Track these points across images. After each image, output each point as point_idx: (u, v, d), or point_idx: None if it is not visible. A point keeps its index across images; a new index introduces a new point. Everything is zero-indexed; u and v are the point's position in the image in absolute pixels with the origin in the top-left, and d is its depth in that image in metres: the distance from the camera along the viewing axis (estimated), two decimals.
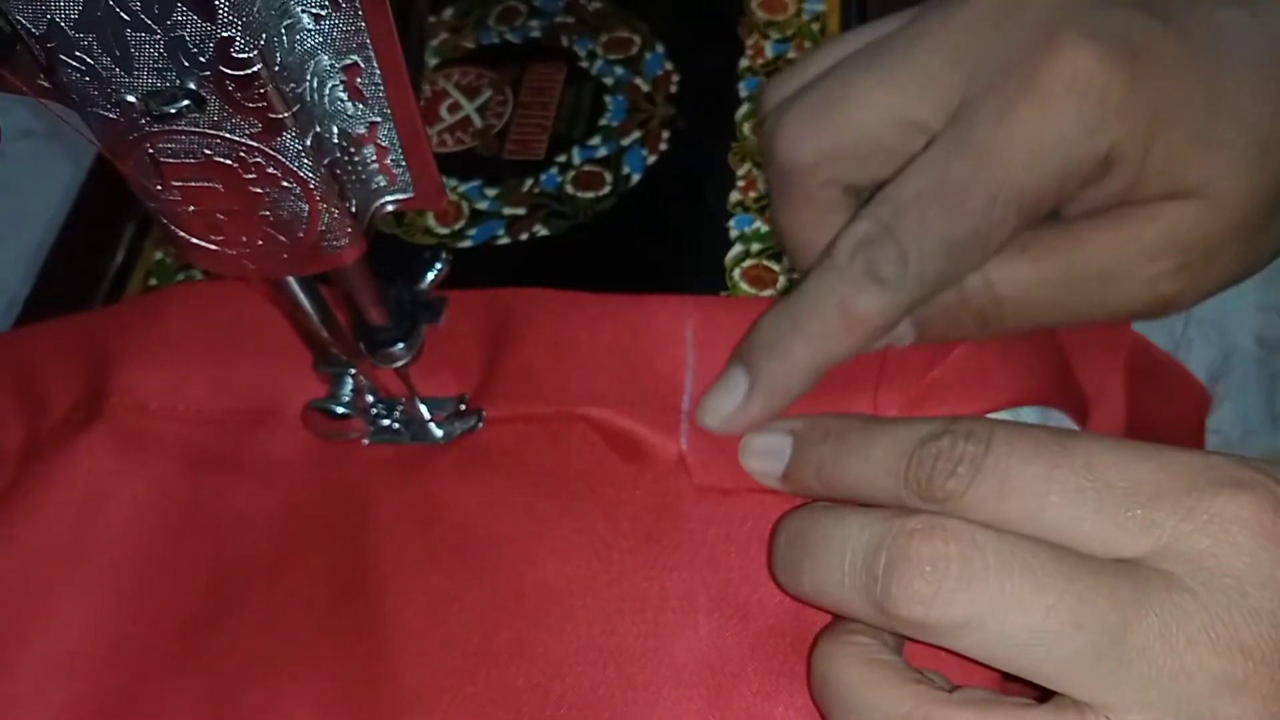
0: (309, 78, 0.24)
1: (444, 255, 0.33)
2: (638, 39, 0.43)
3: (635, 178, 0.39)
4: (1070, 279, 0.30)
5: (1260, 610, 0.22)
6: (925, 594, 0.23)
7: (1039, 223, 0.29)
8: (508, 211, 0.39)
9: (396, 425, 0.33)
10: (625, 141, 0.40)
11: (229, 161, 0.24)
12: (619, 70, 0.42)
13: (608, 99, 0.41)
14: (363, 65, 0.24)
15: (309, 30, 0.23)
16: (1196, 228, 0.29)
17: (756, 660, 0.29)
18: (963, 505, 0.25)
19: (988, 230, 0.28)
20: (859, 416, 0.29)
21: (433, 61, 0.43)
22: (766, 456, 0.30)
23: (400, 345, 0.31)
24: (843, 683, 0.25)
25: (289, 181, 0.24)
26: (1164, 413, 0.37)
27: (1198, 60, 0.28)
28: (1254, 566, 0.22)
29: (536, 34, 0.44)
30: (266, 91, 0.23)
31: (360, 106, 0.25)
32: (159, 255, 0.40)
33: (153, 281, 0.39)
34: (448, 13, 0.45)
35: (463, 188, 0.40)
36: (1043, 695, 0.24)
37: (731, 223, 0.37)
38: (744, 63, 0.41)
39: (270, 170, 0.24)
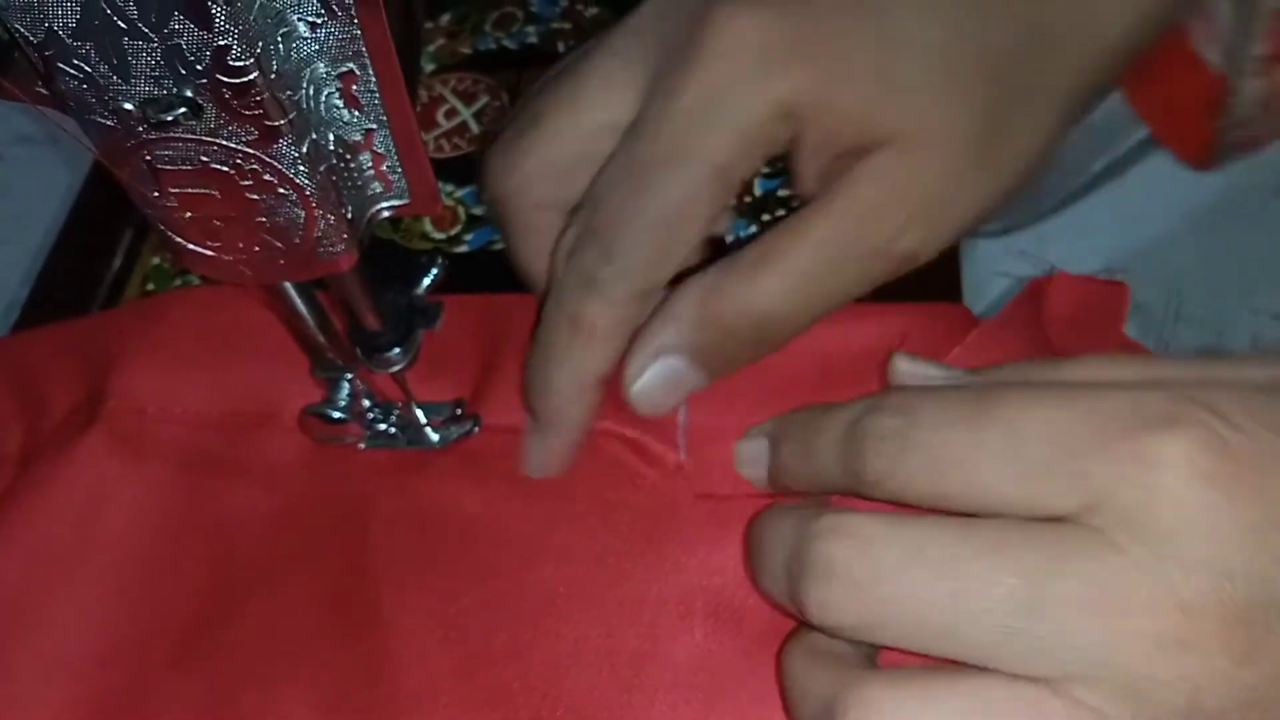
0: (305, 85, 0.24)
1: (440, 260, 0.33)
2: None
3: None
4: (810, 272, 0.29)
5: (1197, 561, 0.21)
6: (829, 600, 0.23)
7: (738, 198, 0.30)
8: None
9: (393, 430, 0.34)
10: None
11: (226, 168, 0.24)
12: None
13: None
14: (358, 73, 0.24)
15: (305, 38, 0.23)
16: (914, 177, 0.28)
17: (752, 665, 0.29)
18: (895, 485, 0.24)
19: (683, 205, 0.28)
20: (817, 407, 0.28)
21: (429, 67, 0.43)
22: (752, 463, 0.30)
23: (396, 350, 0.31)
24: (788, 675, 0.26)
25: (285, 188, 0.25)
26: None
27: (864, 2, 0.28)
28: (1187, 515, 0.21)
29: (533, 40, 0.44)
30: (263, 99, 0.23)
31: (356, 113, 0.25)
32: (156, 260, 0.40)
33: (150, 286, 0.39)
34: (444, 19, 0.45)
35: (459, 193, 0.40)
36: None
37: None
38: None
39: (267, 177, 0.24)
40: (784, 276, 0.29)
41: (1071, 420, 0.22)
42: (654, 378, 0.30)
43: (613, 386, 0.32)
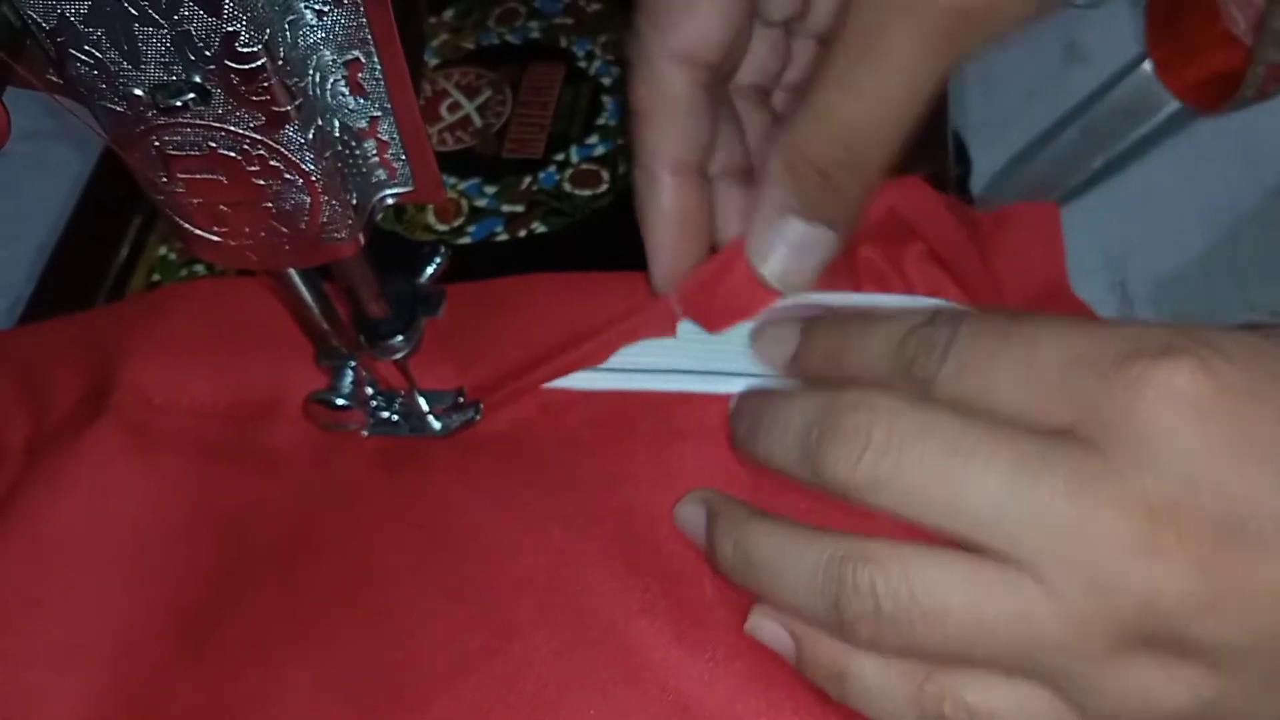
0: (311, 72, 0.24)
1: (443, 250, 0.33)
2: None
3: None
4: (895, 63, 0.28)
5: (1169, 473, 0.23)
6: (848, 457, 0.25)
7: None
8: (506, 209, 0.39)
9: (396, 417, 0.34)
10: (623, 140, 0.40)
11: (233, 154, 0.25)
12: (617, 70, 0.43)
13: (605, 99, 0.42)
14: (364, 60, 0.25)
15: (312, 26, 0.24)
16: None
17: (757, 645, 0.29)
18: (935, 386, 0.26)
19: None
20: (862, 310, 0.30)
21: (433, 62, 0.44)
22: (778, 342, 0.31)
23: (399, 337, 0.31)
24: (764, 552, 0.27)
25: (291, 174, 0.25)
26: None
27: None
28: (1168, 431, 0.23)
29: (536, 35, 0.44)
30: (270, 85, 0.23)
31: (361, 101, 0.25)
32: (163, 251, 0.40)
33: (156, 277, 0.40)
34: (448, 14, 0.45)
35: (462, 185, 0.40)
36: None
37: None
38: None
39: (273, 163, 0.25)
40: (862, 94, 0.28)
41: (1082, 341, 0.24)
42: (782, 250, 0.31)
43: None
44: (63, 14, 0.22)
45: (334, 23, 0.24)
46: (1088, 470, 0.23)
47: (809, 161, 0.29)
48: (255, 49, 0.22)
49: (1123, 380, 0.23)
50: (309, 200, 0.26)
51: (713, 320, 0.32)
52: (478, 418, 0.34)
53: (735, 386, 0.31)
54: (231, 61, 0.23)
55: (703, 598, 0.30)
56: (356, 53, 0.24)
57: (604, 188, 0.39)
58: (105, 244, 0.42)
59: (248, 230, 0.27)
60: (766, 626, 0.28)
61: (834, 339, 0.29)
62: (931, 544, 0.25)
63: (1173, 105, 0.42)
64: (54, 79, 0.24)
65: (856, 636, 0.26)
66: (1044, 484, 0.23)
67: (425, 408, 0.34)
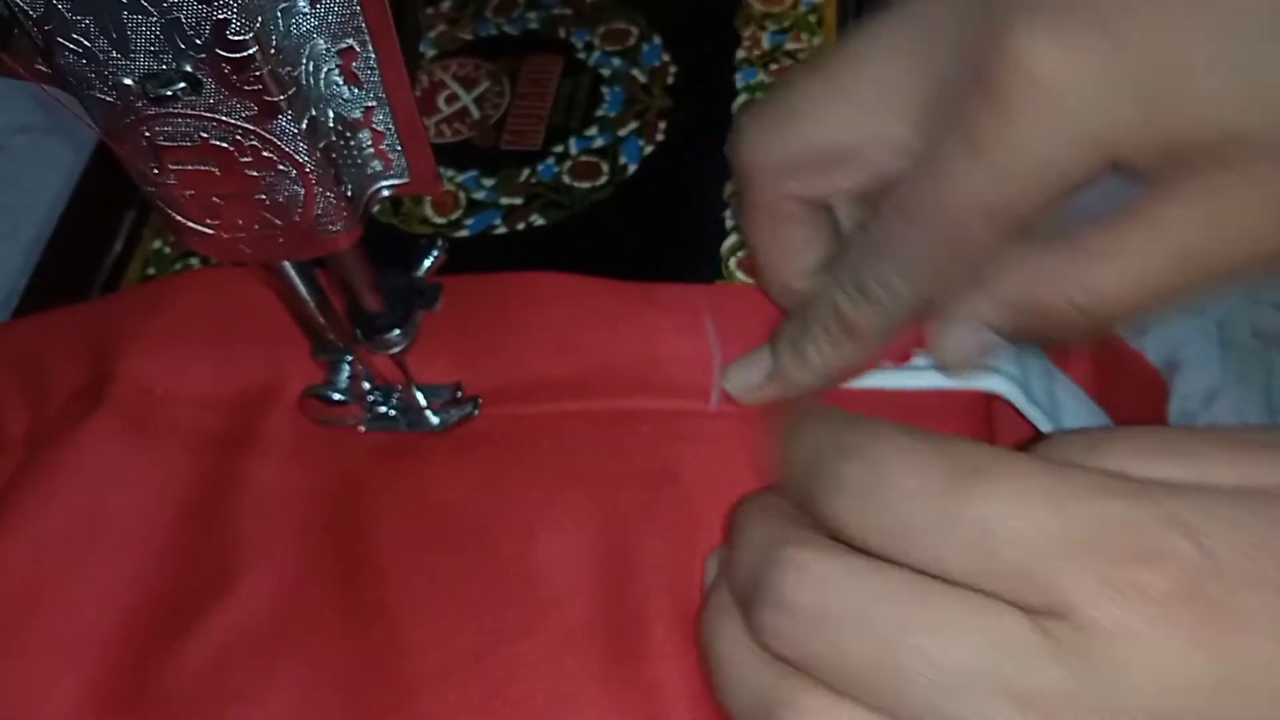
0: (305, 61, 0.24)
1: (440, 243, 0.33)
2: (635, 30, 0.43)
3: (632, 168, 0.39)
4: (1171, 270, 0.26)
5: (1140, 707, 0.20)
6: (780, 628, 0.23)
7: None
8: (505, 201, 0.39)
9: (393, 412, 0.34)
10: (622, 132, 0.40)
11: (225, 145, 0.24)
12: (616, 61, 0.42)
13: (605, 90, 0.41)
14: (358, 49, 0.24)
15: (305, 13, 0.23)
16: None
17: None
18: (853, 534, 0.23)
19: (960, 249, 0.26)
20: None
21: (430, 53, 0.43)
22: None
23: (396, 331, 0.31)
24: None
25: (285, 165, 0.25)
26: (1125, 400, 0.37)
27: None
28: (1143, 653, 0.20)
29: (534, 25, 0.44)
30: (262, 74, 0.23)
31: (356, 91, 0.25)
32: (157, 244, 0.40)
33: (150, 271, 0.39)
34: (445, 4, 0.45)
35: (460, 178, 0.40)
36: None
37: (727, 213, 0.37)
38: (741, 54, 0.41)
39: (266, 154, 0.24)
40: (1123, 271, 0.26)
41: (1050, 526, 0.21)
42: (966, 343, 0.29)
43: (632, 366, 0.33)
44: (50, 1, 0.22)
45: (328, 10, 0.23)
46: (1045, 679, 0.20)
47: (1039, 308, 0.27)
48: (247, 37, 0.22)
49: (1102, 583, 0.20)
50: (303, 192, 0.25)
51: None
52: (476, 413, 0.33)
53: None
54: (222, 50, 0.22)
55: (698, 607, 0.29)
56: (351, 41, 0.24)
57: (603, 180, 0.39)
58: (99, 238, 0.41)
59: (241, 222, 0.26)
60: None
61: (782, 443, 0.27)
62: None
63: None
64: (42, 68, 0.24)
65: None
66: (994, 681, 0.20)
67: (423, 402, 0.33)
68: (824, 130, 0.29)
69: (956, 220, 0.26)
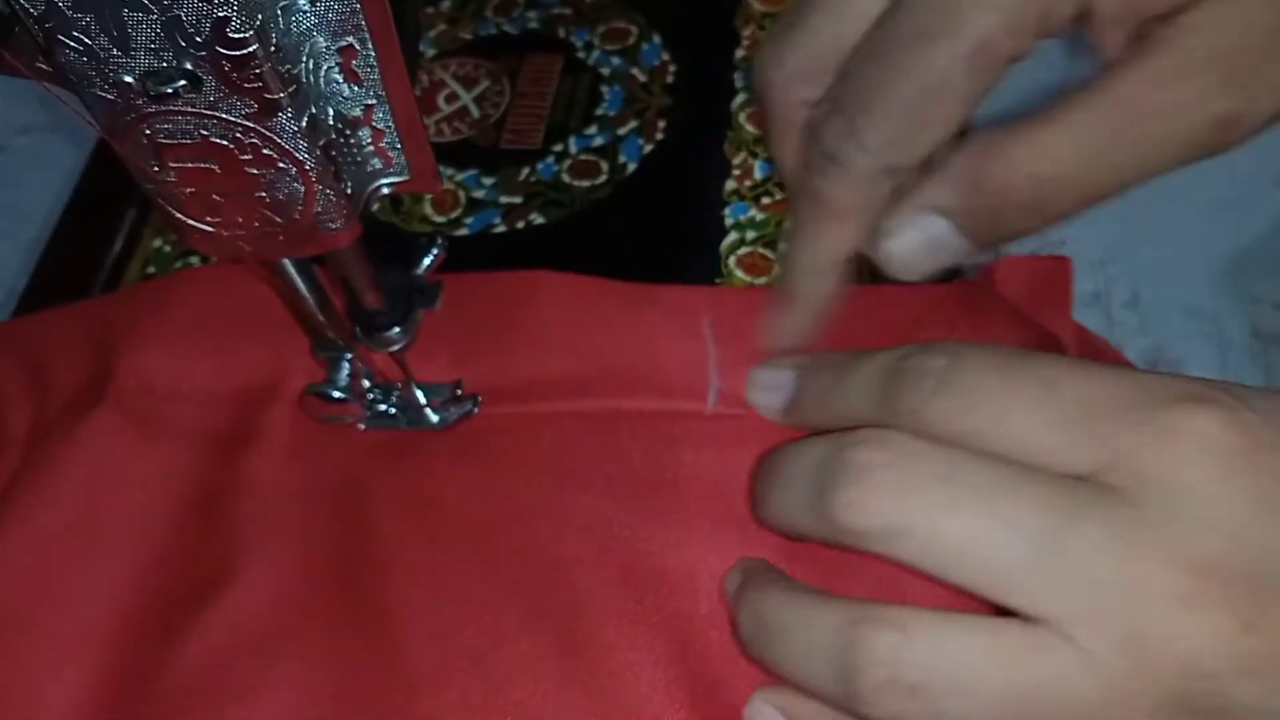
0: (305, 59, 0.24)
1: (440, 241, 0.33)
2: (634, 30, 0.43)
3: (631, 167, 0.39)
4: (1114, 136, 0.27)
5: (1210, 523, 0.21)
6: (859, 500, 0.23)
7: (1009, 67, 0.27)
8: (504, 200, 0.39)
9: (393, 410, 0.34)
10: (622, 131, 0.40)
11: (225, 142, 0.24)
12: (616, 60, 0.42)
13: (604, 89, 0.41)
14: (358, 47, 0.24)
15: (305, 12, 0.23)
16: (1230, 29, 0.26)
17: None
18: (926, 419, 0.24)
19: (938, 82, 0.26)
20: (862, 350, 0.28)
21: (430, 52, 0.43)
22: (771, 389, 0.30)
23: (396, 329, 0.31)
24: (780, 616, 0.25)
25: (285, 162, 0.25)
26: None
27: None
28: (1203, 480, 0.22)
29: (534, 25, 0.44)
30: (262, 72, 0.23)
31: (356, 88, 0.25)
32: (157, 243, 0.40)
33: (151, 269, 0.40)
34: (445, 4, 0.45)
35: (460, 176, 0.40)
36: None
37: (727, 211, 0.37)
38: (740, 53, 0.41)
39: (266, 151, 0.24)
40: (1076, 135, 0.27)
41: (1104, 386, 0.23)
42: (914, 237, 0.29)
43: (629, 368, 0.33)
44: None
45: (327, 9, 0.23)
46: (1124, 521, 0.22)
47: (993, 183, 0.27)
48: (247, 35, 0.22)
49: (1154, 427, 0.22)
50: (303, 189, 0.25)
51: None
52: (475, 410, 0.33)
53: None
54: (223, 48, 0.22)
55: (697, 615, 0.29)
56: (350, 39, 0.24)
57: (603, 179, 0.39)
58: (100, 237, 0.41)
59: (241, 220, 0.26)
60: (764, 713, 0.26)
61: (828, 379, 0.28)
62: (958, 610, 0.23)
63: None
64: (43, 66, 0.24)
65: (874, 714, 0.23)
66: (1080, 535, 0.22)
67: (422, 400, 0.33)
68: (822, 32, 0.29)
69: (921, 52, 0.26)
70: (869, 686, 0.23)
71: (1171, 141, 0.27)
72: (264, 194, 0.25)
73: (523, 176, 0.40)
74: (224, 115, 0.24)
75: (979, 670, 0.22)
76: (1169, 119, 0.26)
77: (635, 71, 0.42)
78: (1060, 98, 0.27)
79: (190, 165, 0.25)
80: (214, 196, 0.26)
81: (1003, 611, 0.23)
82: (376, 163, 0.27)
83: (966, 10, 0.26)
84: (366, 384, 0.33)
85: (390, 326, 0.31)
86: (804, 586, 0.27)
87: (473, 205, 0.39)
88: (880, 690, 0.23)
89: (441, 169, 0.40)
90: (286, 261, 0.29)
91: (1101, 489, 0.22)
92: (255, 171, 0.25)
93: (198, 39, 0.22)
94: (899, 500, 0.23)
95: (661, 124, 0.40)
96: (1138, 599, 0.21)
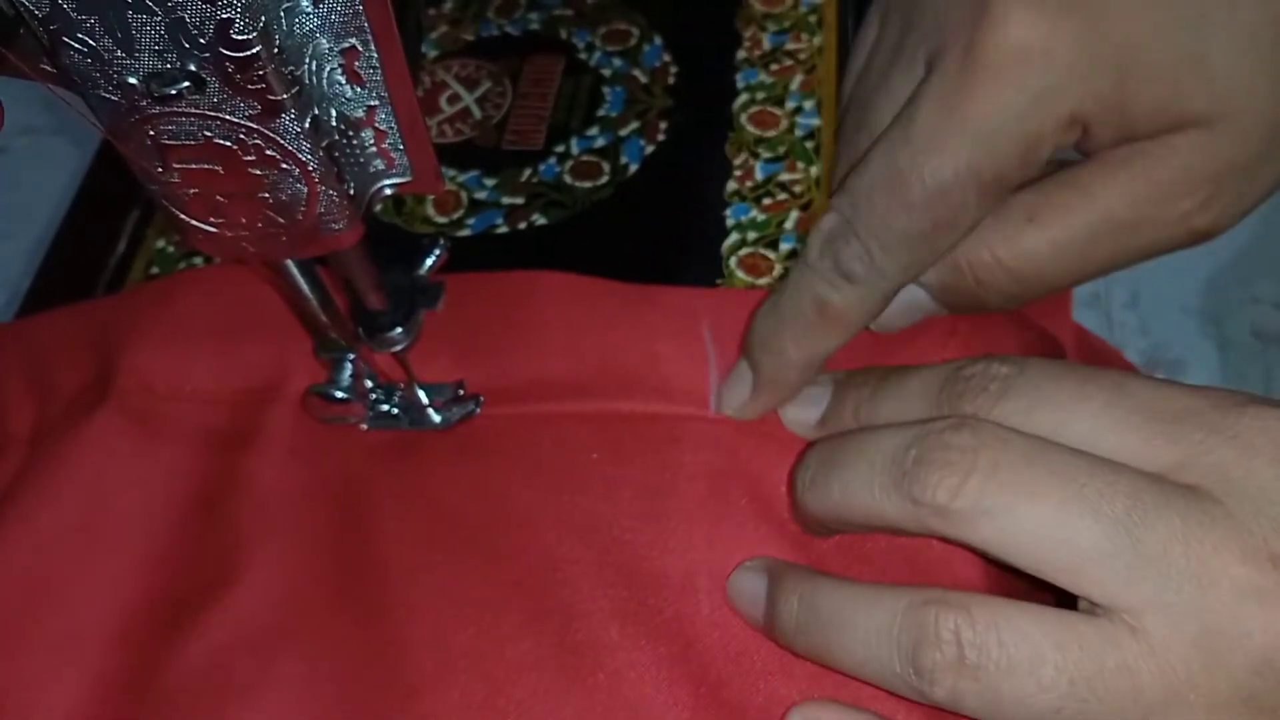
0: (308, 60, 0.24)
1: (442, 242, 0.33)
2: (636, 31, 0.43)
3: (633, 168, 0.39)
4: (1089, 237, 0.28)
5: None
6: (951, 481, 0.24)
7: (1030, 187, 0.29)
8: (506, 201, 0.39)
9: (395, 410, 0.34)
10: (623, 132, 0.40)
11: (229, 143, 0.24)
12: (617, 62, 0.42)
13: (606, 90, 0.42)
14: (361, 49, 0.24)
15: (307, 13, 0.23)
16: (1217, 157, 0.27)
17: (758, 639, 0.29)
18: (995, 419, 0.25)
19: (947, 219, 0.28)
20: (903, 365, 0.29)
21: (432, 53, 0.44)
22: (804, 404, 0.30)
23: (398, 329, 0.31)
24: (833, 604, 0.26)
25: (288, 163, 0.25)
26: None
27: None
28: None
29: (535, 26, 0.44)
30: (265, 73, 0.23)
31: (358, 90, 0.25)
32: (161, 244, 0.40)
33: (154, 270, 0.40)
34: (447, 5, 0.45)
35: (461, 178, 0.40)
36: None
37: (728, 212, 0.37)
38: (741, 54, 0.42)
39: (269, 152, 0.24)
40: (1056, 239, 0.28)
41: (1174, 392, 0.24)
42: (895, 302, 0.30)
43: (629, 369, 0.33)
44: (55, 1, 0.22)
45: (330, 10, 0.24)
46: (1202, 516, 0.22)
47: (973, 270, 0.29)
48: (250, 36, 0.22)
49: (1230, 429, 0.23)
50: (306, 190, 0.25)
51: None
52: (478, 410, 0.33)
53: None
54: (226, 49, 0.22)
55: (698, 616, 0.29)
56: (353, 40, 0.24)
57: (604, 179, 0.39)
58: (103, 238, 0.41)
59: (244, 221, 0.26)
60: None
61: (867, 390, 0.28)
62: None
63: None
64: (47, 68, 0.24)
65: (933, 692, 0.24)
66: (1159, 527, 0.22)
67: (425, 401, 0.33)
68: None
69: (935, 188, 0.27)
70: (931, 664, 0.23)
71: (1147, 248, 0.29)
72: (267, 195, 0.26)
73: (524, 177, 0.40)
74: (227, 116, 0.24)
75: (1043, 655, 0.23)
76: (1149, 232, 0.28)
77: (637, 73, 0.42)
78: (1044, 189, 0.28)
79: (193, 166, 0.25)
80: (217, 197, 0.26)
81: (1063, 606, 0.24)
82: (379, 164, 0.27)
83: (979, 155, 0.27)
84: (369, 384, 0.33)
85: (393, 327, 0.31)
86: (851, 580, 0.27)
87: (475, 206, 0.39)
88: (943, 668, 0.23)
89: (444, 170, 0.40)
90: (289, 262, 0.29)
91: (1182, 486, 0.23)
92: (258, 172, 0.25)
93: (201, 40, 0.22)
94: (989, 482, 0.24)
95: (663, 125, 0.40)
96: (1214, 593, 0.22)
